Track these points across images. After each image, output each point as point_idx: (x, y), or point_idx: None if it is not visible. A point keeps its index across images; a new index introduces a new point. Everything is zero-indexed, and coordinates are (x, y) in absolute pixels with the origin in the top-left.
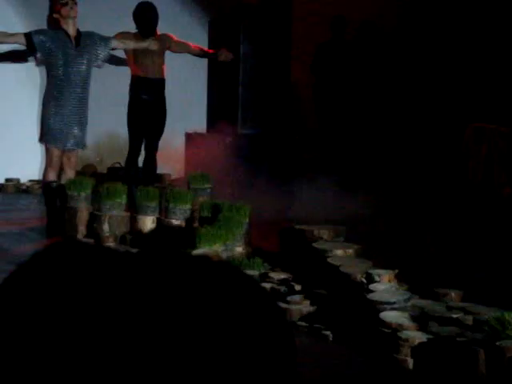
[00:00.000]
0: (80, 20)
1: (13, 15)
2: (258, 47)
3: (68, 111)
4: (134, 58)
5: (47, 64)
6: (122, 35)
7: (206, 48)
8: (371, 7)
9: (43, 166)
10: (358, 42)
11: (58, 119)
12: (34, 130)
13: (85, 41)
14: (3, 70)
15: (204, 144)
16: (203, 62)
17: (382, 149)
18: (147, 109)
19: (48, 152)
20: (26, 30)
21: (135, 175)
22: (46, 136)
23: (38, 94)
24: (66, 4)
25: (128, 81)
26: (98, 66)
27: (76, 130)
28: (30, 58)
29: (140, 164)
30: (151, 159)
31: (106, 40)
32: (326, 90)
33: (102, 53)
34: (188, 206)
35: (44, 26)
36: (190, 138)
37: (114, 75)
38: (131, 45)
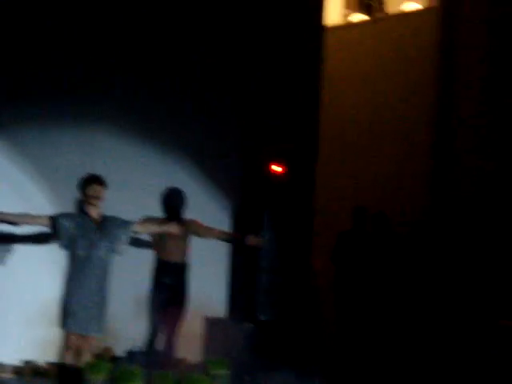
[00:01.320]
0: (105, 203)
1: (39, 195)
2: (280, 234)
3: (87, 293)
4: (159, 242)
5: (69, 246)
6: (146, 220)
7: (231, 233)
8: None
9: (61, 349)
10: (377, 232)
11: (76, 301)
12: (52, 312)
13: (107, 225)
14: (26, 250)
15: (223, 329)
16: (225, 247)
17: (400, 346)
18: (168, 293)
19: (66, 335)
20: (52, 210)
21: (154, 358)
22: (64, 319)
23: (60, 275)
24: (93, 188)
25: (149, 264)
26: (119, 251)
27: (95, 314)
28: (53, 239)
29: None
30: (170, 343)
31: (127, 224)
32: (346, 279)
33: (124, 237)
34: None
35: (70, 208)
36: (209, 322)
37: (136, 258)
38: (153, 229)
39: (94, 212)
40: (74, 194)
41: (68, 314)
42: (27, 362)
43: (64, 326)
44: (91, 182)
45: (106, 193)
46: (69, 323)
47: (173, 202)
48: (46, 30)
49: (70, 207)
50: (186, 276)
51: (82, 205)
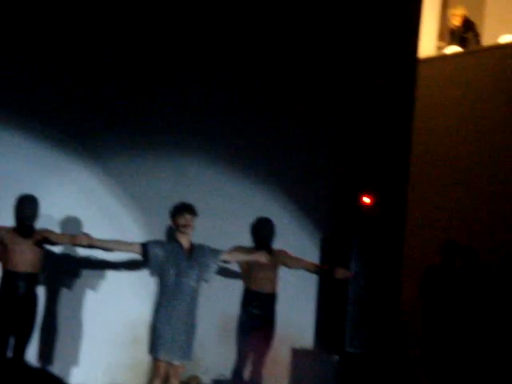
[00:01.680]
0: (195, 232)
1: (131, 222)
2: (369, 265)
3: (177, 321)
4: (248, 271)
5: (159, 273)
6: (235, 249)
7: (319, 264)
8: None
9: (149, 374)
10: (466, 268)
11: (166, 328)
12: (141, 337)
13: (197, 253)
14: (117, 275)
15: (310, 360)
16: (313, 278)
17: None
18: (257, 322)
19: (155, 362)
20: (142, 237)
21: None
22: (154, 346)
23: (150, 300)
24: (184, 217)
25: (238, 293)
26: (208, 279)
27: (183, 341)
28: (144, 266)
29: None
30: (257, 373)
31: (216, 253)
32: (435, 315)
33: (213, 265)
34: None
35: (160, 235)
36: (296, 353)
37: (225, 287)
38: (242, 257)
39: (184, 240)
40: (164, 222)
41: (158, 341)
42: None
43: (154, 352)
44: (182, 211)
45: (196, 221)
46: (158, 350)
47: (262, 232)
48: (146, 63)
49: (160, 235)
50: (275, 306)
51: (173, 233)
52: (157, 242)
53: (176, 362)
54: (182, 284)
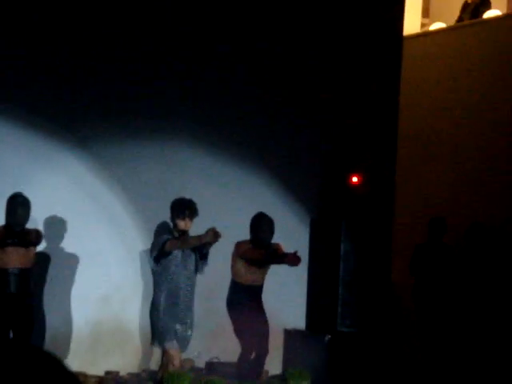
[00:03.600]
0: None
1: (121, 209)
2: (359, 245)
3: (179, 311)
4: (245, 267)
5: (162, 267)
6: (239, 244)
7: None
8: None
9: (142, 359)
10: (466, 245)
11: (170, 319)
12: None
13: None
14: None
15: (302, 341)
16: (304, 259)
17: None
18: (247, 313)
19: (166, 353)
20: (129, 220)
21: (233, 370)
22: (163, 339)
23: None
24: (184, 222)
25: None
26: (202, 270)
27: (186, 329)
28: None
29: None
30: (261, 359)
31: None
32: (425, 292)
33: (207, 256)
34: None
35: (150, 221)
36: (288, 334)
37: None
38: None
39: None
40: (153, 207)
41: (167, 333)
42: (108, 373)
43: (164, 344)
44: (185, 214)
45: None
46: (168, 341)
47: (262, 229)
48: (124, 47)
49: (148, 220)
50: (261, 296)
51: (172, 224)
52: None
53: (180, 350)
54: (181, 276)
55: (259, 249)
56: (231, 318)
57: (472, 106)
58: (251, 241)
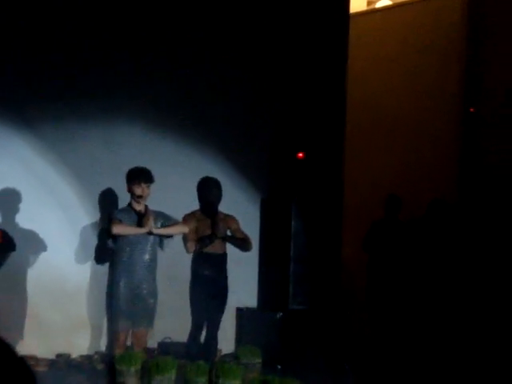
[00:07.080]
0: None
1: (68, 189)
2: (309, 222)
3: (134, 288)
4: (197, 235)
5: (117, 240)
6: (187, 218)
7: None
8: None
9: (94, 341)
10: (426, 221)
11: (126, 297)
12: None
13: (151, 219)
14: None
15: (254, 319)
16: (255, 237)
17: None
18: (210, 285)
19: (115, 333)
20: (76, 201)
21: (186, 349)
22: (113, 316)
23: (105, 272)
24: (141, 188)
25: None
26: (163, 246)
27: (142, 308)
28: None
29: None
30: (213, 336)
31: (169, 220)
32: (378, 269)
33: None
34: (238, 382)
35: (95, 198)
36: (240, 312)
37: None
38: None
39: (139, 207)
40: (98, 185)
41: (117, 310)
42: (60, 355)
43: (112, 322)
44: (139, 180)
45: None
46: (115, 321)
47: (210, 196)
48: (68, 26)
49: (94, 198)
50: (226, 266)
51: (130, 193)
52: (119, 212)
53: (136, 329)
54: (138, 251)
55: (207, 217)
56: (189, 288)
57: (419, 82)
58: (200, 209)
